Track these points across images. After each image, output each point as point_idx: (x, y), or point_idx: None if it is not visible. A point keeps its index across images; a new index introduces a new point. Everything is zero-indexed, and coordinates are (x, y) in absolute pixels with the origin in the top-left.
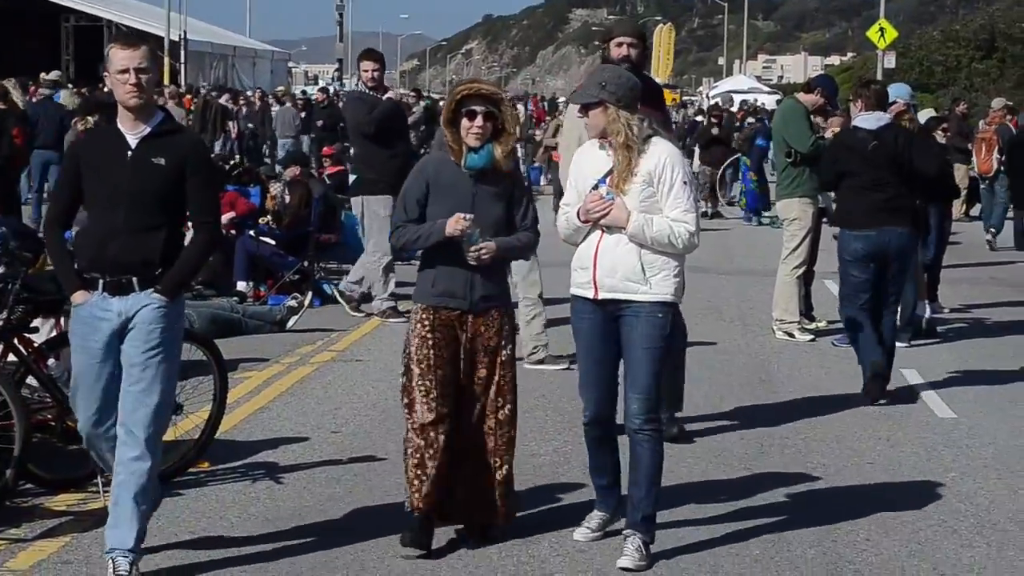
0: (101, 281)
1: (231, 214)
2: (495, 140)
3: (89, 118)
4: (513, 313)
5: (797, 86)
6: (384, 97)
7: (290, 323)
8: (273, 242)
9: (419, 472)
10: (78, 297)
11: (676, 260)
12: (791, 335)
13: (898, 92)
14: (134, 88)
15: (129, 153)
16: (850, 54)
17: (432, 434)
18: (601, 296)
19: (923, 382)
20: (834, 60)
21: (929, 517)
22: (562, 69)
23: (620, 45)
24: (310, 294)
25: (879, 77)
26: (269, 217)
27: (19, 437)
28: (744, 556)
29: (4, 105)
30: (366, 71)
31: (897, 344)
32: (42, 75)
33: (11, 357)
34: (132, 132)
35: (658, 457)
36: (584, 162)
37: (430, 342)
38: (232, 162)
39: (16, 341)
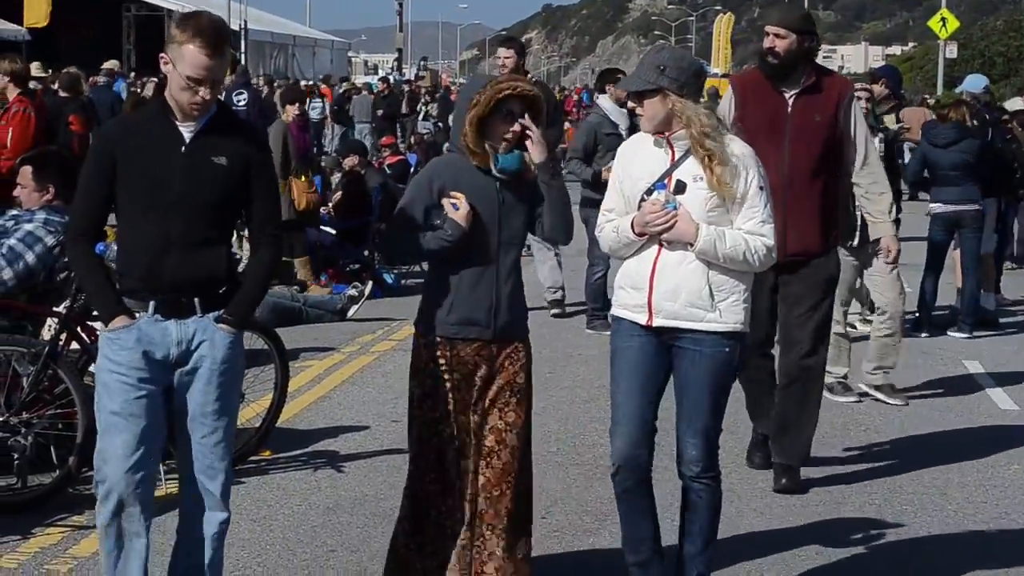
0: (153, 302)
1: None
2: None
3: None
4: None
5: (858, 76)
6: None
7: (351, 312)
8: (334, 232)
9: (409, 546)
10: (120, 322)
11: (745, 282)
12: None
13: (975, 84)
14: (202, 104)
15: (183, 149)
16: (911, 44)
17: (432, 511)
18: (656, 323)
19: (984, 373)
20: (895, 50)
21: (992, 511)
22: (622, 59)
23: (767, 35)
24: (370, 283)
25: (940, 67)
26: (331, 206)
27: (82, 425)
28: (802, 554)
29: (67, 93)
30: (499, 58)
31: (959, 335)
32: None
33: (74, 345)
34: (184, 124)
35: (716, 509)
36: (633, 161)
37: (448, 385)
38: None
39: (79, 329)
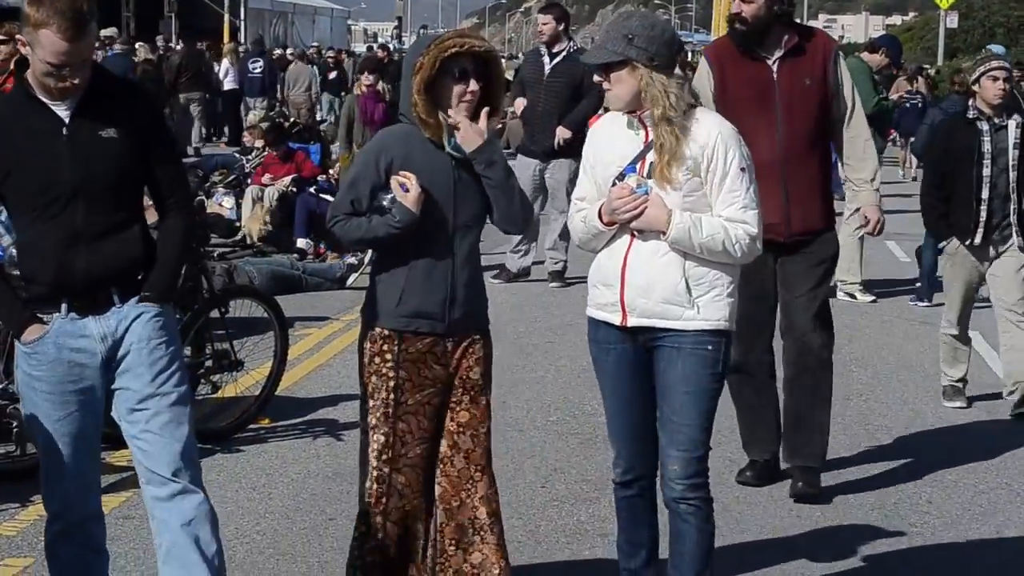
0: (65, 303)
1: (292, 175)
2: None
3: None
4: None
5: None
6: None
7: (350, 280)
8: (333, 199)
9: (364, 554)
10: (33, 332)
11: (729, 274)
12: (852, 296)
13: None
14: (74, 88)
15: (64, 132)
16: (912, 14)
17: (379, 519)
18: (631, 323)
19: (987, 344)
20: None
21: (992, 479)
22: None
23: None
24: (370, 252)
25: (941, 37)
26: (331, 172)
27: None
28: (805, 520)
29: None
30: (543, 24)
31: None
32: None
33: None
34: (57, 103)
35: (706, 535)
36: (603, 143)
37: (392, 383)
38: (292, 119)
39: None
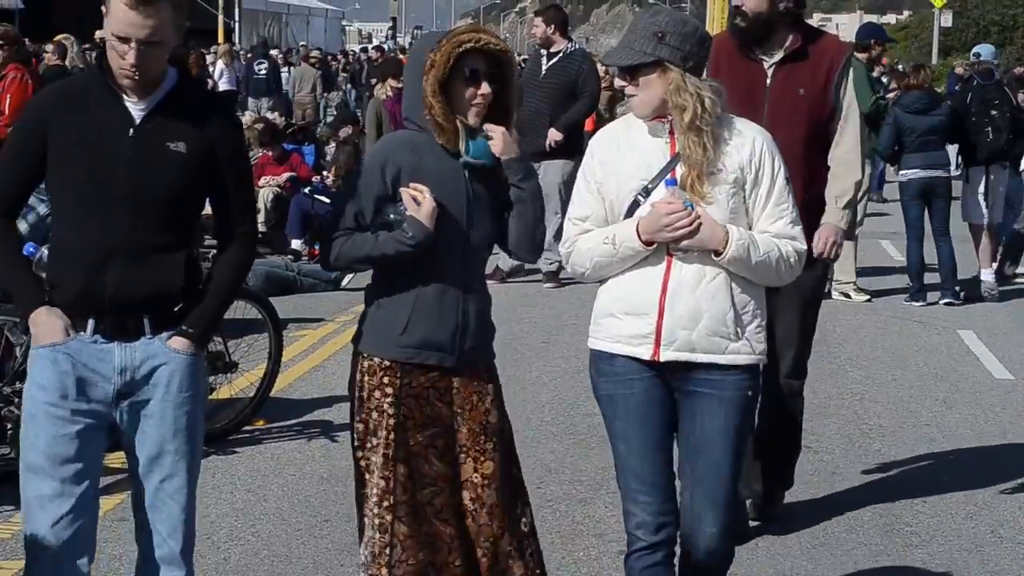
0: (92, 321)
1: (290, 173)
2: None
3: None
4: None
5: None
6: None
7: (345, 282)
8: (328, 200)
9: None
10: (51, 333)
11: (762, 301)
12: (847, 295)
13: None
14: (130, 71)
15: (131, 132)
16: (906, 12)
17: (385, 572)
18: (665, 357)
19: (980, 343)
20: (890, 18)
21: (986, 479)
22: (616, 27)
23: None
24: None
25: (935, 36)
26: (326, 174)
27: None
28: (799, 519)
29: (59, 61)
30: (536, 27)
31: (945, 302)
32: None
33: None
34: (134, 100)
35: None
36: (616, 154)
37: (392, 421)
38: (288, 121)
39: None
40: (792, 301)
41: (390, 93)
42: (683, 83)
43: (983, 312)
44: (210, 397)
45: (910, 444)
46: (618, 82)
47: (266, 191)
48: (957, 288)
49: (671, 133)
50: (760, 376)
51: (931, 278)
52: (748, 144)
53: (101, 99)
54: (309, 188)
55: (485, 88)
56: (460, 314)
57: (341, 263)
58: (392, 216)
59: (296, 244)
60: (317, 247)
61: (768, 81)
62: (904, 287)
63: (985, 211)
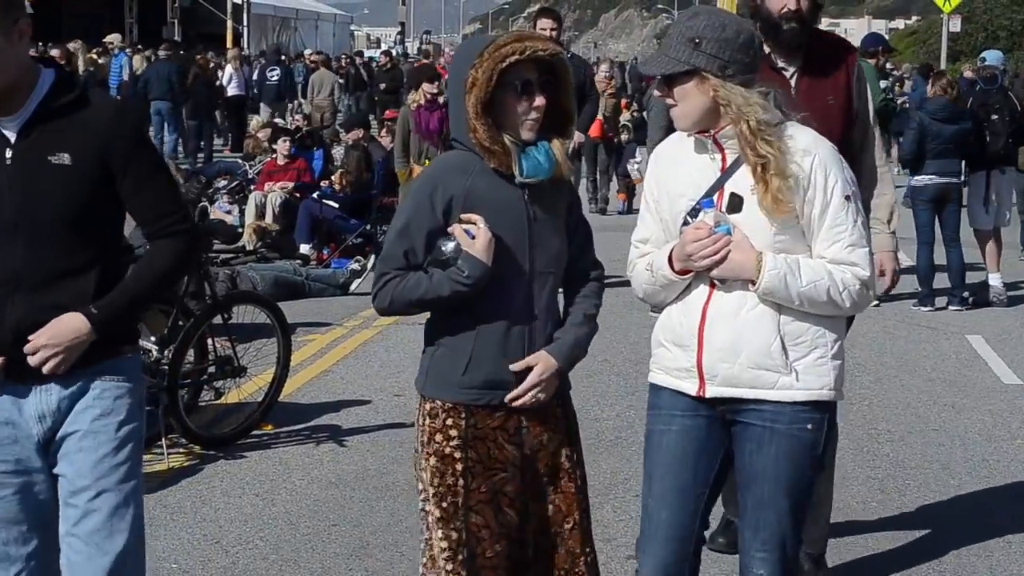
0: None
1: (294, 183)
2: (552, 131)
3: None
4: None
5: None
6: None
7: (353, 286)
8: (336, 205)
9: None
10: None
11: (833, 331)
12: None
13: (993, 58)
14: None
15: (7, 154)
16: (915, 17)
17: None
18: (710, 393)
19: (989, 348)
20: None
21: (995, 484)
22: (624, 32)
23: None
24: (373, 257)
25: (944, 41)
26: (334, 178)
27: None
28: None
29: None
30: (543, 30)
31: (954, 308)
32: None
33: None
34: (5, 115)
35: None
36: (671, 172)
37: (460, 466)
38: (296, 126)
39: None
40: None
41: (423, 101)
42: (725, 92)
43: (991, 317)
44: (218, 401)
45: (919, 449)
46: (656, 92)
47: (274, 196)
48: (966, 294)
49: (720, 148)
50: (832, 411)
51: (937, 283)
52: (800, 155)
53: None
54: (317, 193)
55: (539, 100)
56: (526, 348)
57: (396, 308)
58: (445, 253)
59: (304, 248)
60: (325, 251)
61: (793, 92)
62: (912, 292)
63: (988, 216)
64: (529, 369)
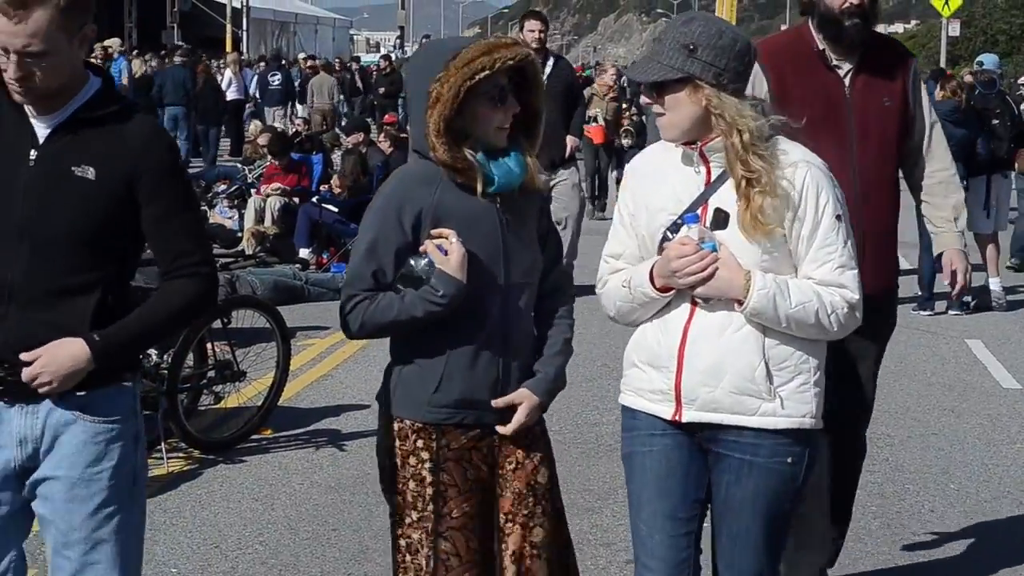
0: None
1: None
2: (519, 131)
3: None
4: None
5: None
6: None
7: None
8: (335, 209)
9: None
10: None
11: (815, 355)
12: None
13: (990, 62)
14: (15, 82)
15: (33, 154)
16: (914, 22)
17: None
18: (687, 418)
19: (988, 353)
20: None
21: (994, 488)
22: (623, 36)
23: None
24: None
25: (943, 45)
26: (333, 182)
27: None
28: None
29: None
30: (531, 31)
31: (954, 312)
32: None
33: None
34: (40, 115)
35: None
36: (651, 184)
37: (430, 490)
38: (295, 130)
39: None
40: (871, 344)
41: None
42: (720, 102)
43: (991, 321)
44: (218, 406)
45: (918, 453)
46: (644, 99)
47: (273, 200)
48: (967, 298)
49: (705, 161)
50: (812, 444)
51: (937, 287)
52: (790, 172)
53: (9, 115)
54: (317, 197)
55: (513, 106)
56: (501, 366)
57: (368, 332)
58: (416, 271)
59: (304, 253)
60: (324, 255)
61: (847, 91)
62: (912, 296)
63: (989, 219)
64: (512, 367)
